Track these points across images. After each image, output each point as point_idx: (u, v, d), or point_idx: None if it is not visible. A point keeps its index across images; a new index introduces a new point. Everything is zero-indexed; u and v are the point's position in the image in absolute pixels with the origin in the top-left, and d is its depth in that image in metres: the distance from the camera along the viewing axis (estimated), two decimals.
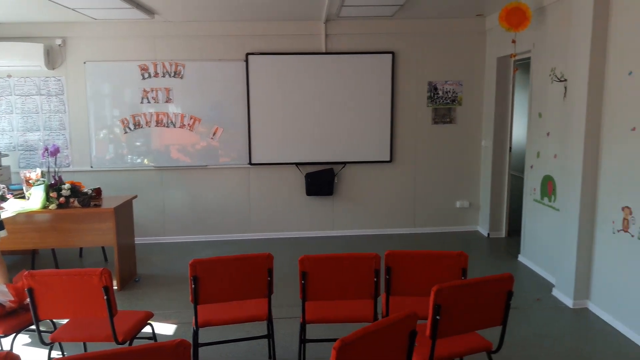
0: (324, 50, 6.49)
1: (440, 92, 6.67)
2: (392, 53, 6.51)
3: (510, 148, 6.54)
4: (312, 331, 3.66)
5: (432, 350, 2.57)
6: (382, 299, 3.29)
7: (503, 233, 6.73)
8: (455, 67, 6.67)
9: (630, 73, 3.90)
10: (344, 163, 6.71)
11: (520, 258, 5.78)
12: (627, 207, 3.97)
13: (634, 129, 3.86)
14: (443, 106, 6.72)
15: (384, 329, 2.19)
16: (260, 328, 3.87)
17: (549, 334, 4.01)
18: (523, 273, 5.41)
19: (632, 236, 3.91)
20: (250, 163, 6.64)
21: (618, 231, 4.08)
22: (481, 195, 6.93)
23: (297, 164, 6.70)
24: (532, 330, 4.07)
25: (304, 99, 6.54)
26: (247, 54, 6.44)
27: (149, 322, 3.31)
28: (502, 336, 2.80)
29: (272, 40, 6.47)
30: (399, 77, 6.62)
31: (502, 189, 6.62)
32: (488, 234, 6.72)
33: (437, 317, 2.51)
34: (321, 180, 6.66)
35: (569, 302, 4.54)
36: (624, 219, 4.00)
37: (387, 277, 3.19)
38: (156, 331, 3.64)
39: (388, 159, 6.72)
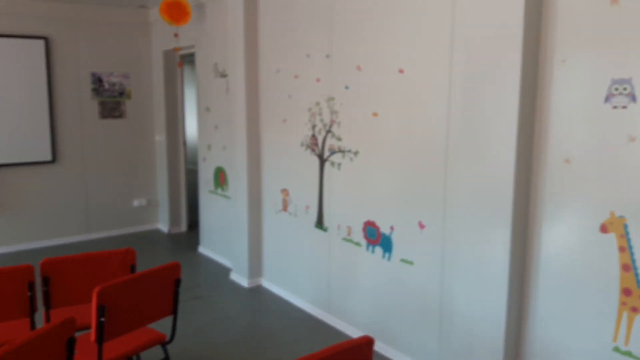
0: None
1: (107, 85, 6.26)
2: (46, 39, 5.77)
3: (185, 142, 6.63)
4: None
5: (100, 355, 2.33)
6: (43, 314, 2.87)
7: (183, 228, 6.78)
8: (121, 58, 6.35)
9: (278, 71, 4.36)
10: None
11: (200, 249, 5.91)
12: (285, 189, 4.45)
13: (285, 121, 4.35)
14: (110, 99, 6.32)
15: (33, 343, 1.85)
16: None
17: (227, 316, 4.19)
18: (203, 263, 5.55)
19: (290, 214, 4.41)
20: None
21: (280, 211, 4.55)
22: (159, 192, 6.82)
23: None
24: (211, 316, 4.19)
25: None
26: None
27: None
28: (174, 325, 2.76)
29: None
30: (56, 67, 5.91)
31: (179, 183, 6.66)
32: (169, 230, 6.66)
33: (102, 319, 2.29)
34: None
35: (244, 282, 4.85)
36: (283, 200, 4.48)
37: (45, 289, 2.77)
38: None
39: (50, 159, 5.94)
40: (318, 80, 3.92)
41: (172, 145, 6.53)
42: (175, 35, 5.51)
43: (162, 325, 2.90)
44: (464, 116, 2.77)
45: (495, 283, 2.67)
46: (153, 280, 2.52)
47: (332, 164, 3.88)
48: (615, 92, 2.27)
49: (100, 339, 2.32)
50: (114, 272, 2.89)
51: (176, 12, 4.98)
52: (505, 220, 2.60)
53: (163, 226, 6.82)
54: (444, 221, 3.05)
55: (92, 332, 2.32)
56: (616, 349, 2.35)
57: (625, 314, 2.31)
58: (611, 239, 2.33)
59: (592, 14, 2.33)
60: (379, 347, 3.57)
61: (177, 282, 2.63)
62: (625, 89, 2.24)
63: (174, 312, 2.69)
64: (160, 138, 6.62)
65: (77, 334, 2.57)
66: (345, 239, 3.83)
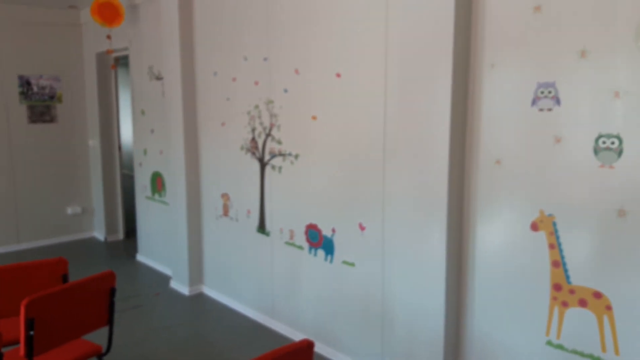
0: None
1: (36, 88, 5.95)
2: None
3: (120, 146, 6.40)
4: None
5: None
6: None
7: (121, 235, 6.54)
8: (51, 61, 6.06)
9: (215, 74, 4.30)
10: None
11: (139, 257, 5.73)
12: (226, 193, 4.39)
13: (223, 124, 4.29)
14: (40, 103, 6.02)
15: None
16: None
17: (167, 325, 4.08)
18: (142, 271, 5.38)
19: (231, 219, 4.35)
20: None
21: (221, 216, 4.48)
22: (94, 199, 6.56)
23: None
24: (151, 325, 4.07)
25: None
26: None
27: None
28: (110, 336, 2.66)
29: None
30: None
31: (115, 189, 6.42)
32: (105, 239, 6.41)
33: (31, 333, 2.17)
34: None
35: (185, 290, 4.74)
36: (224, 204, 4.42)
37: None
38: None
39: None
40: (257, 83, 3.89)
41: (106, 150, 6.30)
42: (108, 37, 5.32)
43: (99, 337, 2.78)
44: (399, 120, 2.83)
45: (433, 282, 2.74)
46: (86, 291, 2.42)
47: (273, 167, 3.86)
48: (541, 95, 2.40)
49: (29, 353, 2.20)
50: (45, 283, 2.75)
51: (108, 13, 4.81)
52: (441, 220, 2.67)
53: (99, 234, 6.55)
54: (383, 223, 3.11)
55: (21, 347, 2.20)
56: (549, 343, 2.47)
57: (556, 309, 2.43)
58: (541, 236, 2.45)
59: (518, 21, 2.45)
60: (324, 350, 3.59)
61: (112, 292, 2.54)
62: (550, 92, 2.36)
63: (110, 322, 2.59)
64: (94, 143, 6.36)
65: (5, 349, 2.43)
66: (287, 243, 3.82)
